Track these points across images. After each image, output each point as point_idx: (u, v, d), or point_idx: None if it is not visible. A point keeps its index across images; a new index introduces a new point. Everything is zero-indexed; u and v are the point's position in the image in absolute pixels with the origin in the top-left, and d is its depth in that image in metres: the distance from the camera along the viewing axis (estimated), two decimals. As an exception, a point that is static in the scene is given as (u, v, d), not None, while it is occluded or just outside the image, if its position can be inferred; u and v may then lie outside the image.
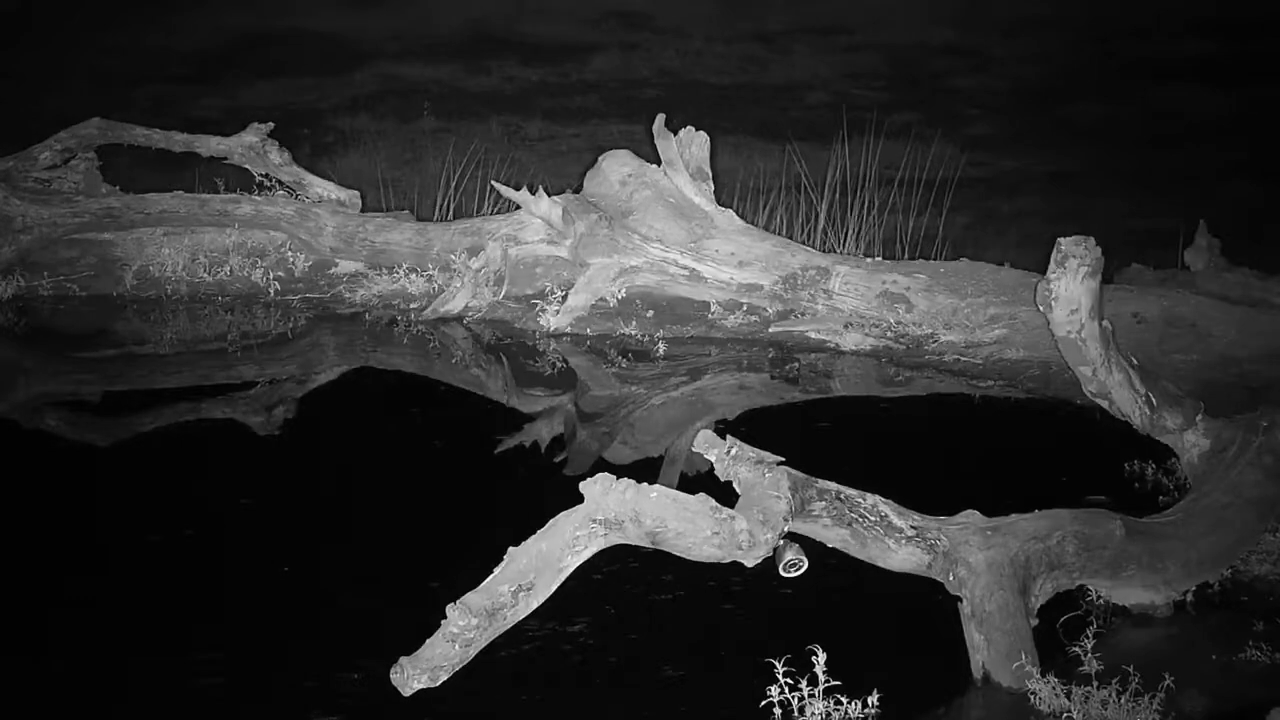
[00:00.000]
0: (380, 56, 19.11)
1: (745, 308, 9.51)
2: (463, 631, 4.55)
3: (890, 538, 5.33)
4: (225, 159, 10.48)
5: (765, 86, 18.73)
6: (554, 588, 4.78)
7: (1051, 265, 5.82)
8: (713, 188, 9.84)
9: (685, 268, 9.51)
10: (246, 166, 10.45)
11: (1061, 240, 5.81)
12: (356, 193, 10.56)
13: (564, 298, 9.61)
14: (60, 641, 5.43)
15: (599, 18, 21.45)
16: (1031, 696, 5.02)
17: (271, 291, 10.10)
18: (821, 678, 4.83)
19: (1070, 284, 5.83)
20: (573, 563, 4.81)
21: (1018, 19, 20.34)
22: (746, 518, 5.02)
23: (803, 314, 9.38)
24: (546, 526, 4.84)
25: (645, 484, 4.93)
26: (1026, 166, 15.28)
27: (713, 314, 9.58)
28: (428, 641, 4.57)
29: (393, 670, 4.56)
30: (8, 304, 9.69)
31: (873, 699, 4.86)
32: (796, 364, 9.10)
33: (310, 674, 5.26)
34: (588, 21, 21.31)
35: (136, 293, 9.96)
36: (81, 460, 7.36)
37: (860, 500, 5.36)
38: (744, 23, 20.90)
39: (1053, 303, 5.89)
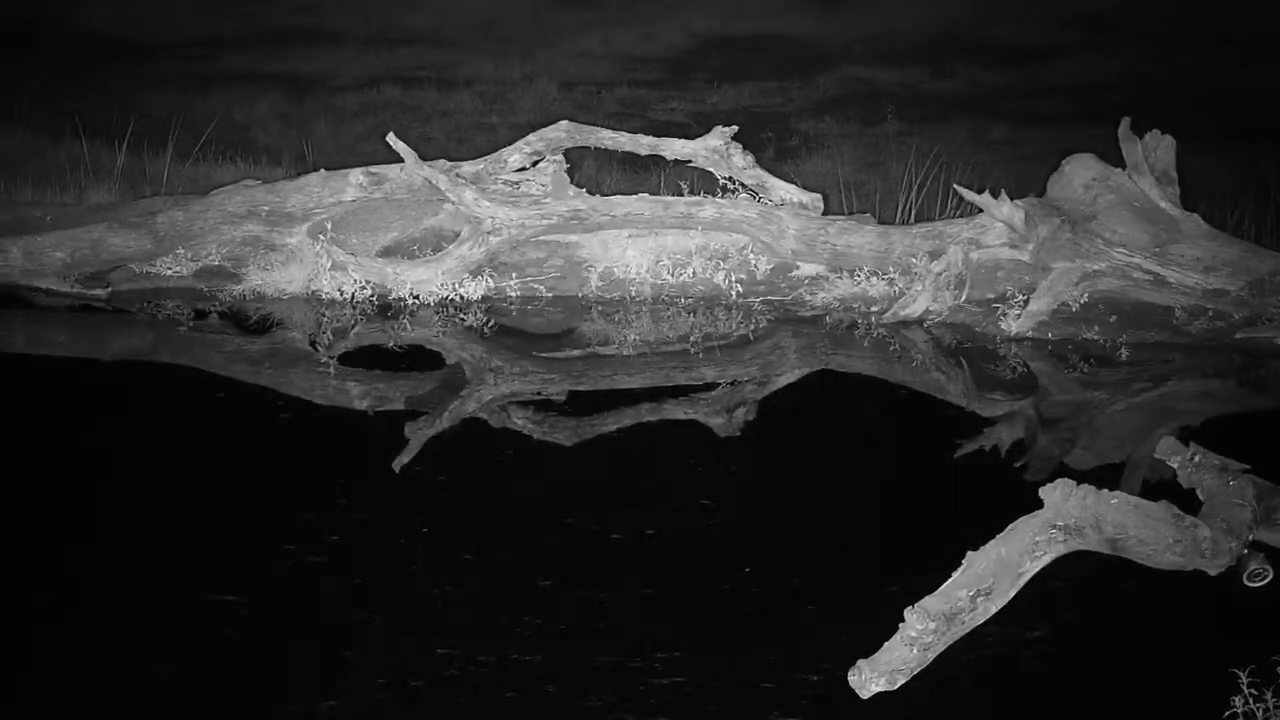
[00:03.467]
0: (845, 60, 19.10)
1: (1210, 313, 9.24)
2: (921, 635, 4.55)
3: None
4: (689, 162, 10.54)
5: (1236, 90, 18.06)
6: (1012, 593, 4.76)
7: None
8: (1178, 192, 9.62)
9: (1149, 272, 9.28)
10: (710, 169, 10.48)
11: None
12: (819, 196, 10.49)
13: (1025, 302, 9.46)
14: (566, 638, 5.51)
15: (1066, 20, 21.06)
16: None
17: (733, 294, 10.13)
18: (1287, 689, 4.58)
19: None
20: (1032, 568, 4.79)
21: None
22: (1210, 526, 5.00)
23: (1270, 320, 9.10)
24: (1006, 531, 4.83)
25: (1106, 490, 4.89)
26: None
27: (1177, 319, 9.32)
28: (886, 645, 4.58)
29: (850, 672, 4.55)
30: (477, 304, 9.94)
31: (1344, 713, 4.58)
32: (1263, 371, 8.77)
33: (769, 675, 5.23)
34: (1055, 24, 20.95)
35: (601, 294, 10.11)
36: (547, 459, 7.49)
37: (1329, 508, 5.16)
38: (1212, 23, 20.23)
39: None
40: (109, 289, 10.04)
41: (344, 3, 15.85)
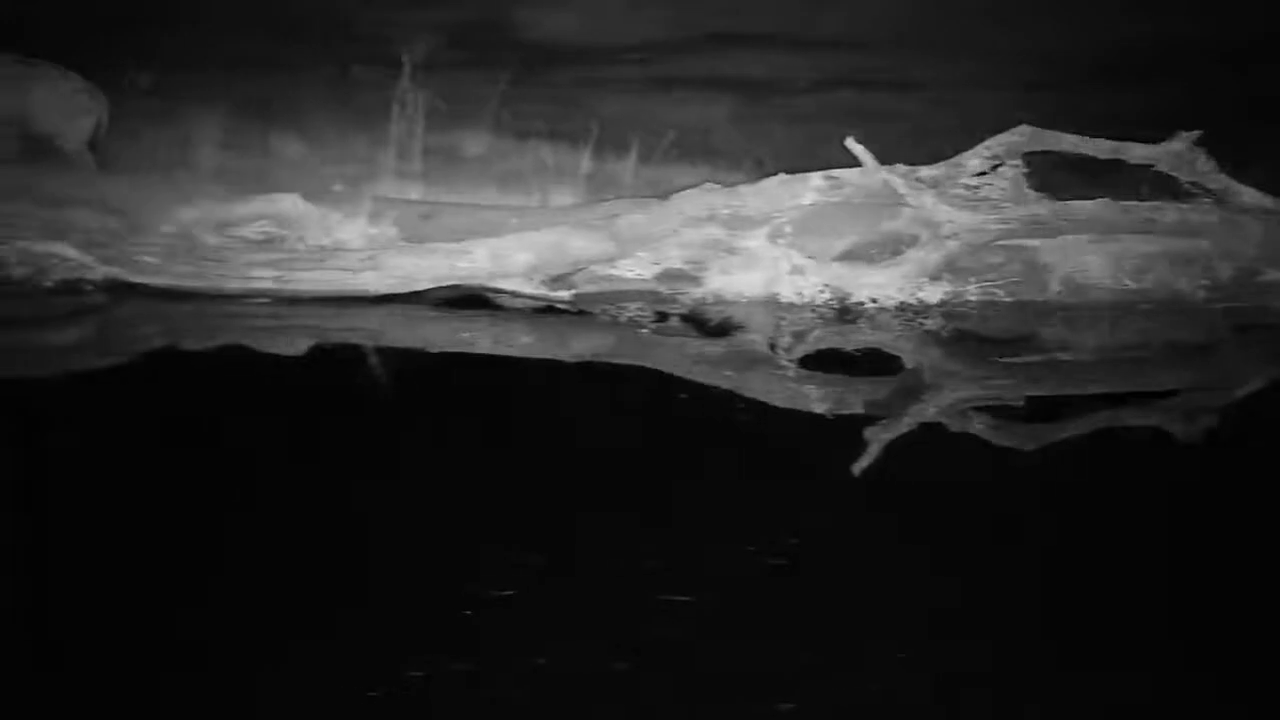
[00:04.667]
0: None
1: None
2: None
3: None
4: (1151, 166, 10.35)
5: None
6: None
7: None
8: None
9: None
10: (1173, 174, 10.28)
11: None
12: (1283, 199, 10.22)
13: None
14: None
15: None
16: None
17: (1196, 299, 9.91)
18: None
19: None
20: None
21: None
22: None
23: None
24: None
25: None
26: None
27: None
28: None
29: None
30: (935, 308, 9.95)
31: None
32: None
33: (1226, 690, 5.09)
34: None
35: (1061, 298, 10.00)
36: (1005, 465, 7.43)
37: None
38: None
39: None
40: (572, 290, 10.32)
41: (798, 5, 15.92)
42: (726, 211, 10.25)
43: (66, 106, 11.51)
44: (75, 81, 11.56)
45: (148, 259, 10.01)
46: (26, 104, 11.46)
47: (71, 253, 9.93)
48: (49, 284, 9.96)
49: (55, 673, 4.71)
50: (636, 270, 10.33)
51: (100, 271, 10.00)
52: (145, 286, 9.99)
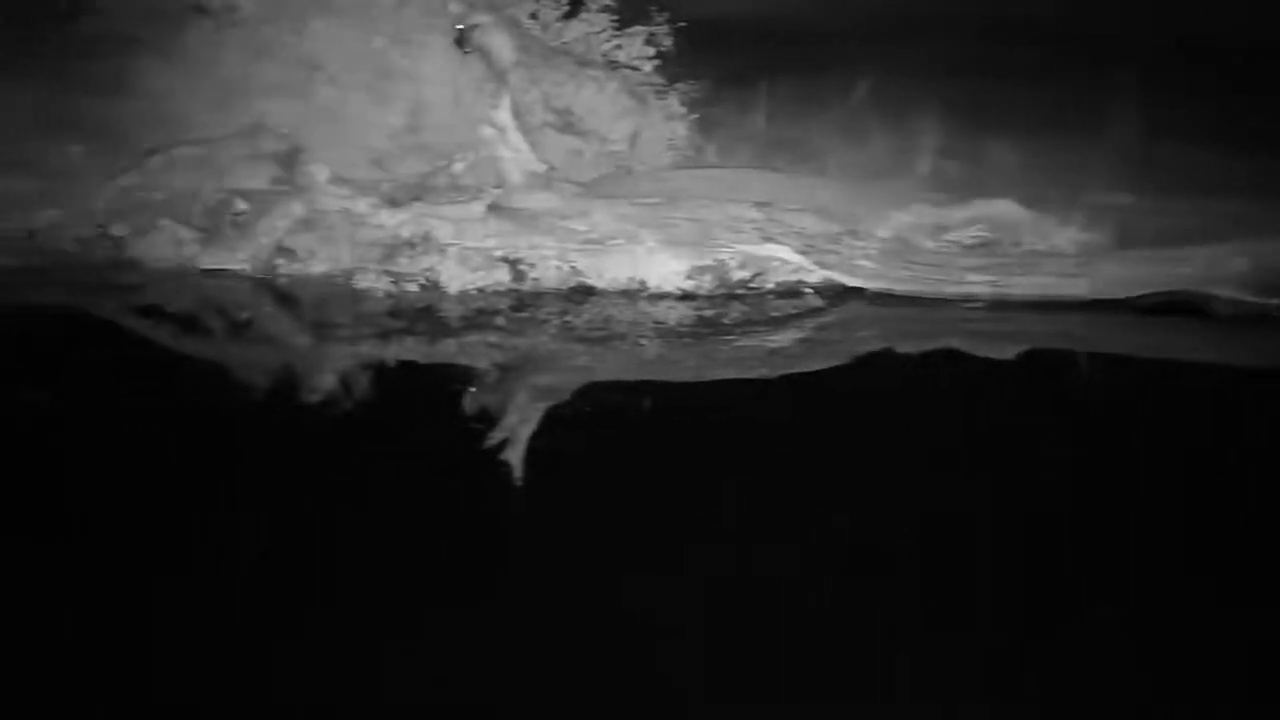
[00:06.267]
0: None
1: None
2: None
3: None
4: None
5: None
6: None
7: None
8: None
9: None
10: None
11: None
12: None
13: None
14: None
15: None
16: None
17: None
18: None
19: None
20: None
21: None
22: None
23: None
24: None
25: None
26: None
27: None
28: None
29: None
30: None
31: None
32: None
33: None
34: None
35: None
36: None
37: None
38: None
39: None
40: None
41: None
42: None
43: (610, 107, 11.85)
44: (619, 81, 11.86)
45: (865, 263, 10.42)
46: (574, 103, 11.86)
47: (791, 256, 10.40)
48: (769, 287, 10.47)
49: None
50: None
51: (818, 275, 10.47)
52: (863, 290, 10.41)
